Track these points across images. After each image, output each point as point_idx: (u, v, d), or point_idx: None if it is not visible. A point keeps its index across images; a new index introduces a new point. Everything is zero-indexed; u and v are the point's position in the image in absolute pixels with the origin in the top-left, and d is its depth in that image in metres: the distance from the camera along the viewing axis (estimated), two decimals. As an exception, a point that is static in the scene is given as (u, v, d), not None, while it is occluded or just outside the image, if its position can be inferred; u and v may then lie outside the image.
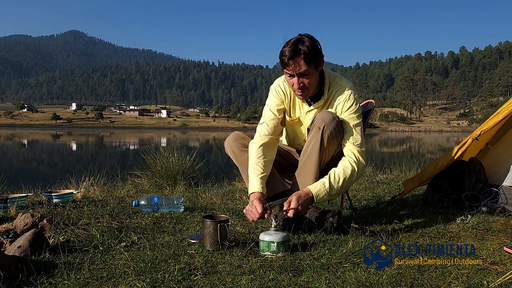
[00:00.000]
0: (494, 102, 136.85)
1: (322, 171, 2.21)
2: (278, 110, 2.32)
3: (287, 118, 2.38)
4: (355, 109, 2.23)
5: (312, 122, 2.20)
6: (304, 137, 2.39)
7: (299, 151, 2.46)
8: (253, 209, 2.00)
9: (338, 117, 2.18)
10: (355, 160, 2.16)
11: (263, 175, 2.15)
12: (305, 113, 2.31)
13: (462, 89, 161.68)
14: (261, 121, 2.35)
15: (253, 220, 2.04)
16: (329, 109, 2.25)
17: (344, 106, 2.22)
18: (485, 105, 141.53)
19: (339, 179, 2.10)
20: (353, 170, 2.13)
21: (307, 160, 2.17)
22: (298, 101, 2.33)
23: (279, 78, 2.38)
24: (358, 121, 2.22)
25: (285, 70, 2.13)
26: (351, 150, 2.18)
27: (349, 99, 2.22)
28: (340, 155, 2.26)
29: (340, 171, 2.12)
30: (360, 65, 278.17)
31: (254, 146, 2.23)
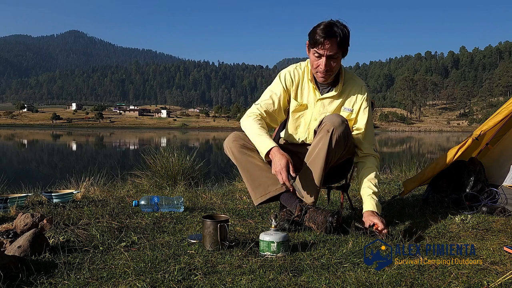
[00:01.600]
0: (494, 102, 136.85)
1: (326, 174, 2.22)
2: (278, 96, 2.36)
3: (294, 102, 2.38)
4: (368, 108, 2.36)
5: (320, 124, 2.20)
6: (306, 127, 2.39)
7: (296, 145, 2.46)
8: (282, 168, 2.05)
9: (346, 120, 2.20)
10: (377, 163, 2.36)
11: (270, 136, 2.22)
12: (316, 101, 2.34)
13: (462, 89, 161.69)
14: (256, 102, 2.40)
15: (283, 183, 2.08)
16: (342, 102, 2.34)
17: (361, 101, 2.33)
18: (485, 105, 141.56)
19: (377, 180, 2.29)
20: (377, 166, 2.34)
21: (314, 162, 2.16)
22: (308, 88, 2.36)
23: (289, 67, 2.44)
24: (370, 118, 2.38)
25: (315, 49, 2.16)
26: (369, 146, 2.34)
27: (364, 94, 2.35)
28: (344, 158, 2.30)
29: (376, 177, 2.28)
30: (360, 65, 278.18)
31: (249, 119, 2.29)
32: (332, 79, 2.30)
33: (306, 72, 2.37)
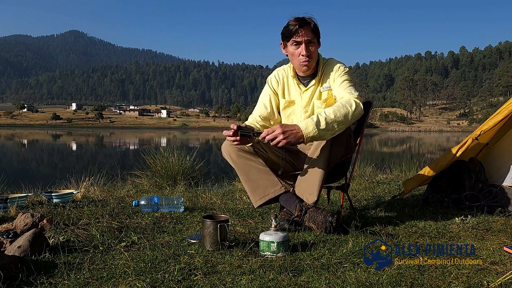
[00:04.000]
0: (494, 102, 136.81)
1: (328, 174, 2.22)
2: (269, 100, 2.46)
3: (282, 100, 2.46)
4: (345, 72, 2.31)
5: None
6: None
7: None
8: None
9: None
10: (348, 99, 2.11)
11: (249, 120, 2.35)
12: (301, 94, 2.40)
13: (462, 89, 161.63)
14: (252, 113, 2.49)
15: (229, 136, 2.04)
16: (323, 85, 2.35)
17: (335, 74, 2.32)
18: (485, 105, 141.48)
19: (328, 114, 2.00)
20: (344, 105, 2.06)
21: (316, 162, 2.16)
22: (294, 84, 2.43)
23: (274, 70, 2.54)
24: (347, 76, 2.29)
25: (292, 39, 2.25)
26: (344, 93, 2.20)
27: (338, 69, 2.33)
28: (344, 157, 2.30)
29: (330, 108, 2.05)
30: (360, 65, 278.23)
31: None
32: (313, 70, 2.37)
33: (290, 71, 2.46)
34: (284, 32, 2.29)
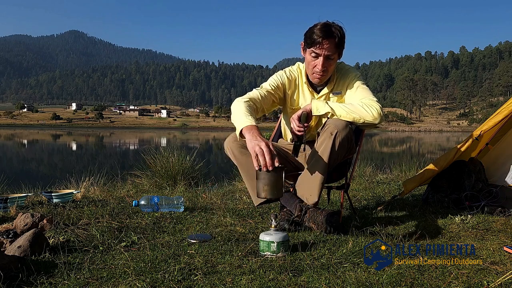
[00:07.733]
0: (494, 102, 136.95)
1: (328, 174, 2.21)
2: (274, 89, 2.30)
3: (289, 107, 2.39)
4: (359, 80, 2.28)
5: (323, 126, 2.18)
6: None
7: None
8: (262, 148, 1.78)
9: (351, 124, 2.16)
10: (368, 101, 2.13)
11: (253, 115, 2.02)
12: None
13: (462, 89, 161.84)
14: (257, 87, 2.33)
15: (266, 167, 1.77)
16: (334, 91, 2.30)
17: (349, 83, 2.28)
18: (485, 105, 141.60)
19: (344, 105, 2.12)
20: (363, 105, 2.10)
21: (316, 164, 2.14)
22: (304, 91, 2.35)
23: (287, 68, 2.41)
24: (363, 83, 2.27)
25: (312, 49, 2.14)
26: (363, 97, 2.19)
27: (353, 79, 2.28)
28: (344, 158, 2.29)
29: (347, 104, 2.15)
30: (360, 65, 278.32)
31: (241, 99, 2.14)
32: (326, 78, 2.29)
33: (300, 76, 2.37)
34: (306, 37, 2.16)
